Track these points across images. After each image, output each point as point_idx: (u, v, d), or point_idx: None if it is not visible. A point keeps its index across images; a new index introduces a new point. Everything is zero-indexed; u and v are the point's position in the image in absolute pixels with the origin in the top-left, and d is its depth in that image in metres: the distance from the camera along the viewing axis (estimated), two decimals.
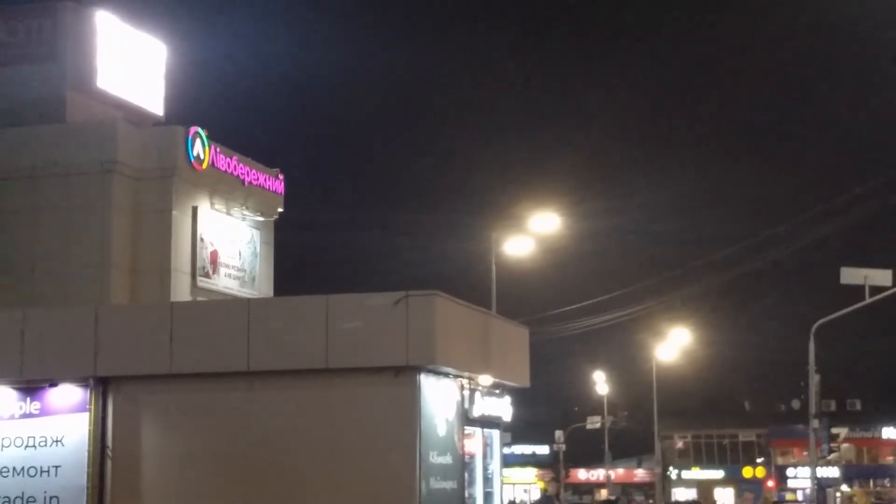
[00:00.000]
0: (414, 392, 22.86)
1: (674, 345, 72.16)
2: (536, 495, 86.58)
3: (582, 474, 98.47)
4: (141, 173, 28.76)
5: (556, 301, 60.82)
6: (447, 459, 24.21)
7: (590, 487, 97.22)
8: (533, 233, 39.51)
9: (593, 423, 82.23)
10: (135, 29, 30.82)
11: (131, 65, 30.56)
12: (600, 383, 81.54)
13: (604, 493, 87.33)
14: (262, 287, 31.91)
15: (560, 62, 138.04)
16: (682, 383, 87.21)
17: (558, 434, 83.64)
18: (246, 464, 23.27)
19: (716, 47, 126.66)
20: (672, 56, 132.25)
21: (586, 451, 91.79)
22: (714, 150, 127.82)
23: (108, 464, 23.78)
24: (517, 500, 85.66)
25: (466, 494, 25.64)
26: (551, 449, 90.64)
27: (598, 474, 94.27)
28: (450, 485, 24.31)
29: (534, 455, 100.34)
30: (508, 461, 74.86)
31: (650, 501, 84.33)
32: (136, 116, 30.64)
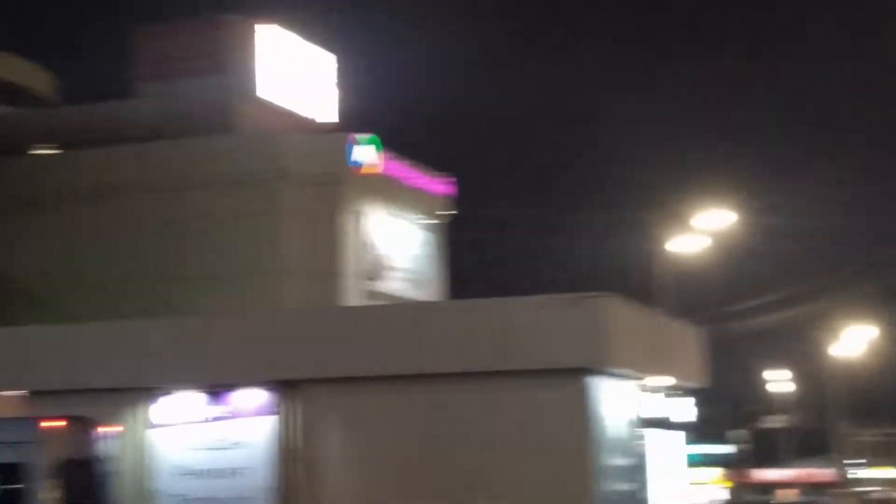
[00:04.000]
0: (588, 393, 22.62)
1: (859, 340, 70.13)
2: (725, 496, 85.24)
3: (762, 474, 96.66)
4: (310, 180, 28.98)
5: (730, 298, 59.71)
6: (623, 461, 23.88)
7: (769, 487, 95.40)
8: (707, 230, 38.79)
9: (773, 421, 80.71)
10: (304, 40, 31.13)
11: (299, 74, 30.90)
12: (778, 381, 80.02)
13: (779, 494, 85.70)
14: (434, 289, 31.89)
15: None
16: (868, 379, 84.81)
17: (739, 434, 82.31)
18: (424, 466, 23.28)
19: None
20: None
21: (762, 450, 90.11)
22: None
23: (296, 466, 24.01)
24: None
25: (645, 496, 25.25)
26: (736, 448, 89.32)
27: (779, 474, 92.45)
28: (626, 486, 23.99)
29: (713, 455, 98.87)
30: (690, 461, 73.82)
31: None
32: (305, 124, 30.92)
